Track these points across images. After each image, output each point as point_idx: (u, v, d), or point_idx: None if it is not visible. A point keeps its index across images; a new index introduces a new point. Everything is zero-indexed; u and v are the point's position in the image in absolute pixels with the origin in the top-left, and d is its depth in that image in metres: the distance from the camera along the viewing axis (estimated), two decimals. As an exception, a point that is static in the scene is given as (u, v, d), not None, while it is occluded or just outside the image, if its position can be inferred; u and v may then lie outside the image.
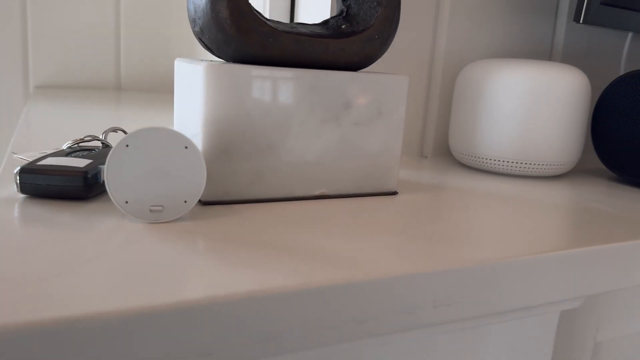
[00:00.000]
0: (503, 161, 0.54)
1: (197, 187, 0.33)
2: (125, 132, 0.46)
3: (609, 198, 0.49)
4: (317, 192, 0.41)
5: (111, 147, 0.42)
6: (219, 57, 0.39)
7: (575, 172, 0.61)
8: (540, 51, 0.69)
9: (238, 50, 0.37)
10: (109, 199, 0.37)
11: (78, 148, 0.41)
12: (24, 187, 0.35)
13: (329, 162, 0.41)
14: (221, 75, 0.36)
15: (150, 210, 0.32)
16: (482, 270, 0.30)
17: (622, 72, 0.75)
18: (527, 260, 0.32)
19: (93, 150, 0.41)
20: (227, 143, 0.37)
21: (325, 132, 0.40)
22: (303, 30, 0.39)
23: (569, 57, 0.70)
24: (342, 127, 0.40)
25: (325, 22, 0.42)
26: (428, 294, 0.29)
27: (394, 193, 0.44)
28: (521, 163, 0.54)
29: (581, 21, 0.52)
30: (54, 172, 0.35)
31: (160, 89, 1.19)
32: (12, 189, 0.37)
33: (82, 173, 0.35)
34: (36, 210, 0.33)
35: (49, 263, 0.26)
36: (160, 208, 0.33)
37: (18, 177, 0.34)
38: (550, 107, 0.52)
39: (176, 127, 0.43)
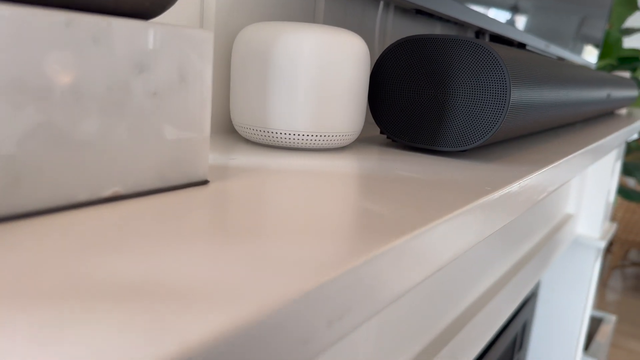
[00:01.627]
0: (296, 134, 0.50)
1: None
2: None
3: (406, 165, 0.48)
4: (107, 193, 0.29)
5: None
6: None
7: (356, 142, 0.61)
8: (305, 16, 0.66)
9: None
10: None
11: None
12: None
13: (121, 149, 0.29)
14: None
15: None
16: (366, 268, 0.25)
17: (376, 41, 0.78)
18: (398, 244, 0.27)
19: None
20: (-43, 129, 0.22)
21: (114, 105, 0.28)
22: (67, -46, 0.26)
23: (330, 24, 0.69)
24: (135, 97, 0.29)
25: (91, -50, 0.30)
26: (322, 313, 0.22)
27: (205, 182, 0.35)
28: (315, 135, 0.50)
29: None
30: None
31: None
32: None
33: None
34: None
35: None
36: None
37: None
38: (341, 75, 0.49)
39: None
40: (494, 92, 0.51)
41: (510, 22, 1.05)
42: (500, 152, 0.61)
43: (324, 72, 0.48)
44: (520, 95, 0.53)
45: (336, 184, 0.38)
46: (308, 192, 0.35)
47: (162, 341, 0.16)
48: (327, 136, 0.50)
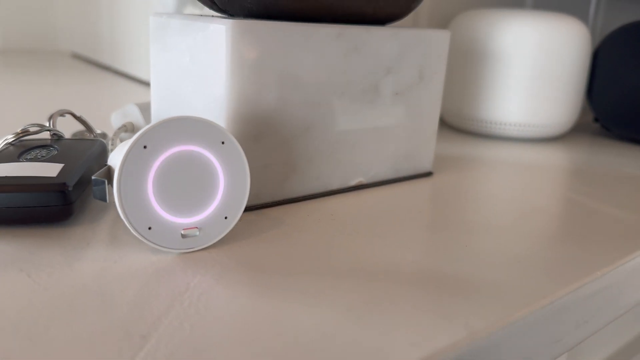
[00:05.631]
0: (508, 125, 0.50)
1: (240, 195, 0.24)
2: (75, 115, 0.35)
3: (630, 160, 0.46)
4: (354, 182, 0.33)
5: (63, 137, 0.30)
6: (222, 12, 0.29)
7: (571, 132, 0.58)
8: (514, 1, 0.64)
9: (261, 2, 0.27)
10: (99, 215, 0.26)
11: (28, 145, 0.29)
12: (-34, 214, 0.23)
13: (368, 143, 0.33)
14: (253, 37, 0.26)
15: (183, 236, 0.23)
16: (611, 275, 0.25)
17: (590, 24, 0.73)
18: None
19: (48, 146, 0.29)
20: (258, 129, 0.27)
21: (364, 105, 0.32)
22: (337, -27, 0.30)
23: (541, 8, 0.66)
24: (381, 98, 0.32)
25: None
26: (571, 316, 0.23)
27: (429, 174, 0.37)
28: (529, 126, 0.49)
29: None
30: (15, 188, 0.23)
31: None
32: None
33: (59, 186, 0.24)
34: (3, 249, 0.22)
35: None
36: (195, 230, 0.23)
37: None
38: (561, 63, 0.48)
39: (156, 111, 0.32)
40: None
41: None
42: None
43: (544, 60, 0.47)
44: None
45: (557, 179, 0.38)
46: (525, 189, 0.36)
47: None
48: (541, 127, 0.50)
